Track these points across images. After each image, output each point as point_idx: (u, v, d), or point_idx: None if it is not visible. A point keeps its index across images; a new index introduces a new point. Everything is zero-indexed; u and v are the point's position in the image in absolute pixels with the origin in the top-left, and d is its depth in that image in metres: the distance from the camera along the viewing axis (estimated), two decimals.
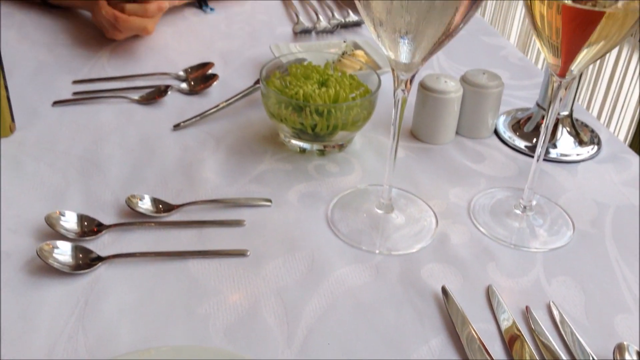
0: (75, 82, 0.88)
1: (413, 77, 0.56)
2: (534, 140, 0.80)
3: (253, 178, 0.71)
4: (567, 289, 0.59)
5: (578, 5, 0.52)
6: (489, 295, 0.57)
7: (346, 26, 1.09)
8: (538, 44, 0.58)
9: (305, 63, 0.79)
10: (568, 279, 0.60)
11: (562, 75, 0.58)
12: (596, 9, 0.52)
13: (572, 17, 0.53)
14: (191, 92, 0.88)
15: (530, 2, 0.55)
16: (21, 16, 1.07)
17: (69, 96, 0.85)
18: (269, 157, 0.75)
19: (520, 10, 2.12)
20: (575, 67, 0.57)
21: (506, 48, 1.07)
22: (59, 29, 1.03)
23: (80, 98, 0.84)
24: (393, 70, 0.56)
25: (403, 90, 0.57)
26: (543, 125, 0.63)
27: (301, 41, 1.04)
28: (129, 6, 0.91)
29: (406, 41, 0.51)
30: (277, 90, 0.73)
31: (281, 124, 0.73)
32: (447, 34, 0.50)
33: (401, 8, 0.48)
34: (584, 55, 0.56)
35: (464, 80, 0.79)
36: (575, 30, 0.54)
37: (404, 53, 0.53)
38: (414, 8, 0.47)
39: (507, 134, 0.82)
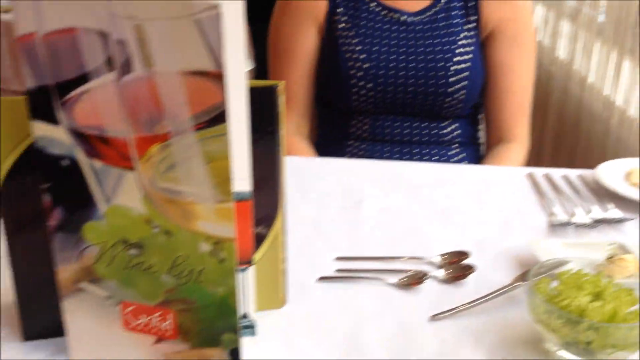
0: (338, 259, 0.95)
1: None
2: None
3: None
4: None
5: None
6: None
7: (608, 222, 1.05)
8: None
9: (573, 269, 0.76)
10: None
11: None
12: None
13: None
14: (446, 280, 0.89)
15: None
16: None
17: (332, 272, 0.91)
18: None
19: None
20: None
21: None
22: None
23: (343, 276, 0.90)
24: None
25: None
26: None
27: (559, 235, 1.02)
28: None
29: None
30: (546, 300, 0.71)
31: (550, 334, 0.70)
32: None
33: None
34: None
35: None
36: None
37: None
38: None
39: None
